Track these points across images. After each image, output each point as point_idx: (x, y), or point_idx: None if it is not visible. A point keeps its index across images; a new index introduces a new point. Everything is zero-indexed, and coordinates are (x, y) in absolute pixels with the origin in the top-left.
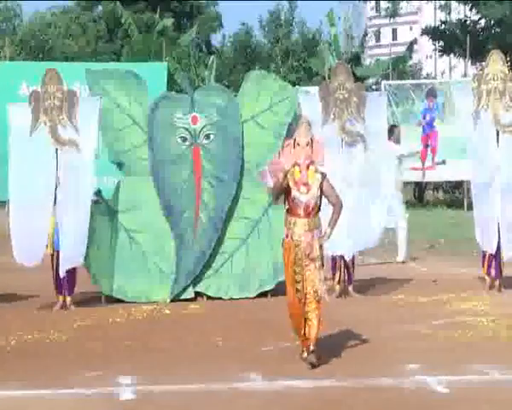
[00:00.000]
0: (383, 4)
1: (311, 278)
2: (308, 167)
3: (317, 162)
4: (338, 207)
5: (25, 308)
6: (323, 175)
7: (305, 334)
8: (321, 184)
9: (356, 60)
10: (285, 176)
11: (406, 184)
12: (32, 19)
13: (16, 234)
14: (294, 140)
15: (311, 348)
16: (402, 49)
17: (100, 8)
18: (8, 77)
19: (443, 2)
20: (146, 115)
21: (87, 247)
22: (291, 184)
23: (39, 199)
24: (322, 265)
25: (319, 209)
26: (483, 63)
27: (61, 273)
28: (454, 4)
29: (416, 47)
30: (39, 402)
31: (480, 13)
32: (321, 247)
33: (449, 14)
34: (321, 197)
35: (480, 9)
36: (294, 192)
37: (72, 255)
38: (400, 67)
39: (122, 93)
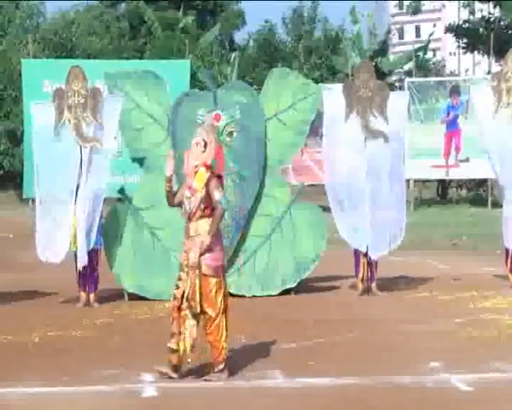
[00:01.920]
0: (406, 1)
1: (184, 286)
2: (198, 170)
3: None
4: (216, 213)
5: (48, 306)
6: (211, 176)
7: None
8: (206, 184)
9: (380, 53)
10: (169, 181)
11: (430, 181)
12: (55, 17)
13: (41, 231)
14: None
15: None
16: None
17: (123, 5)
18: (32, 74)
19: (466, 2)
20: (166, 113)
21: (110, 246)
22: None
23: (63, 196)
24: (214, 275)
25: (211, 214)
26: None
27: (79, 266)
28: (478, 4)
29: (438, 44)
30: (61, 399)
31: (501, 12)
32: (214, 257)
33: (472, 13)
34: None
35: (502, 9)
36: (184, 196)
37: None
38: (422, 57)
39: (141, 93)
